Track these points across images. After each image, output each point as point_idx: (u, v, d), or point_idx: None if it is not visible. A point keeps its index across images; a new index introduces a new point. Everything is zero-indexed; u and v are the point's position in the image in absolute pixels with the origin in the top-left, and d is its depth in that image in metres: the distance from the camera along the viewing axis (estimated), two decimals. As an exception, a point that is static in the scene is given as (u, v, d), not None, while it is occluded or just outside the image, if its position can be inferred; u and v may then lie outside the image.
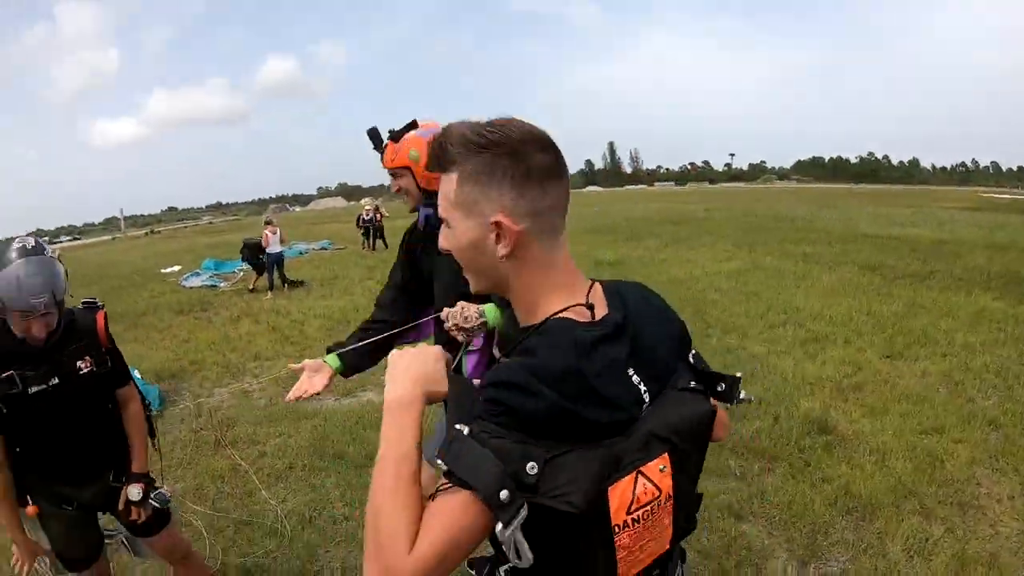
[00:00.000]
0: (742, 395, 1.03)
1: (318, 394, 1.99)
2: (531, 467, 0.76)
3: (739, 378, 1.02)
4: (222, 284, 13.41)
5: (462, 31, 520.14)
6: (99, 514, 2.27)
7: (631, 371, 0.87)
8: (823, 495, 3.18)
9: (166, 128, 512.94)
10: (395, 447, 0.84)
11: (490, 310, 1.76)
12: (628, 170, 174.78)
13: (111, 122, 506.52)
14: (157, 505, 2.15)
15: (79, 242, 68.75)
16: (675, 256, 12.42)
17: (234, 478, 3.88)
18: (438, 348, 0.98)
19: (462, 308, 1.76)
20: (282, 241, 11.93)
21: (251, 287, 11.85)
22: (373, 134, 2.08)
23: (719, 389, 1.00)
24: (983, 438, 3.79)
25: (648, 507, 0.86)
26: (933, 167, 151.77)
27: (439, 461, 0.78)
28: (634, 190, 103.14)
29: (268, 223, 11.94)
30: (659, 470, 0.86)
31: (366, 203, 22.74)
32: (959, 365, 5.04)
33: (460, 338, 1.76)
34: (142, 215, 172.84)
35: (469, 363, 2.06)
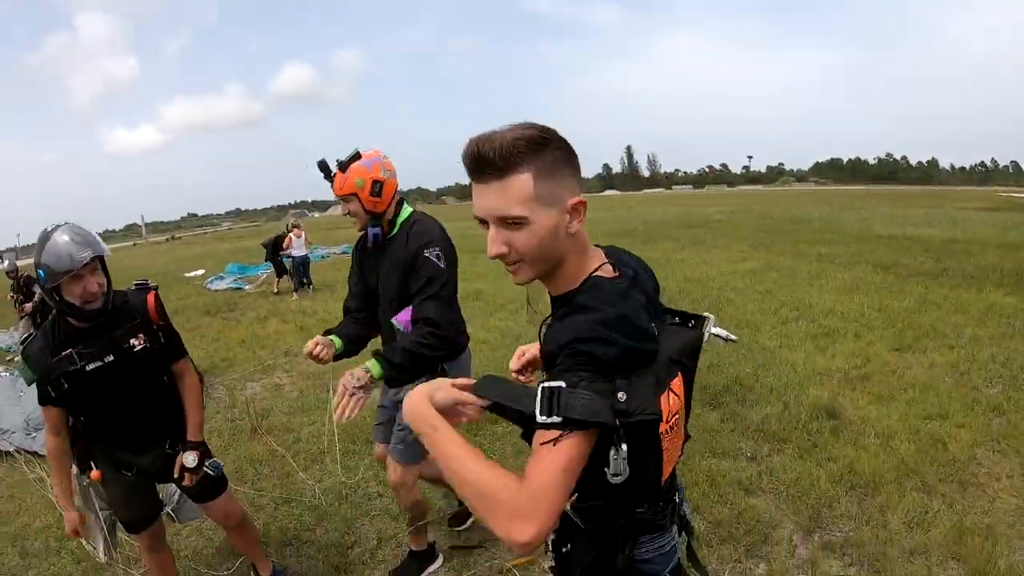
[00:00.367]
0: (717, 331, 1.29)
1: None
2: (621, 396, 0.95)
3: (707, 316, 1.27)
4: (247, 287, 13.80)
5: (479, 35, 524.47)
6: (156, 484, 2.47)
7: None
8: (829, 473, 3.36)
9: (185, 135, 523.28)
10: (441, 437, 1.01)
11: (372, 364, 2.11)
12: (646, 174, 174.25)
13: (130, 129, 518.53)
14: (211, 472, 2.33)
15: (103, 249, 69.82)
16: (692, 257, 12.56)
17: (271, 461, 4.14)
18: (437, 380, 1.14)
19: (349, 375, 2.05)
20: (307, 244, 12.30)
21: (275, 290, 12.20)
22: (322, 166, 2.33)
23: (690, 325, 1.25)
24: (986, 423, 3.93)
25: (676, 415, 1.12)
26: (952, 167, 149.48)
27: (545, 418, 0.93)
28: (652, 194, 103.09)
29: (295, 227, 12.31)
30: (679, 385, 1.12)
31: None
32: (966, 356, 5.16)
33: (361, 395, 2.04)
34: (162, 221, 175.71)
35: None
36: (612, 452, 0.97)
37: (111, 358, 2.13)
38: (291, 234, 11.96)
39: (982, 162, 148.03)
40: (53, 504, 3.70)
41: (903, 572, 2.57)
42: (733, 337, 5.68)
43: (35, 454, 4.58)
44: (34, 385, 2.15)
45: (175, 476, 2.32)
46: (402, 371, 2.18)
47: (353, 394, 2.00)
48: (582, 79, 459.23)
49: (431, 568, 2.82)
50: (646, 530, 1.16)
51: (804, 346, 5.77)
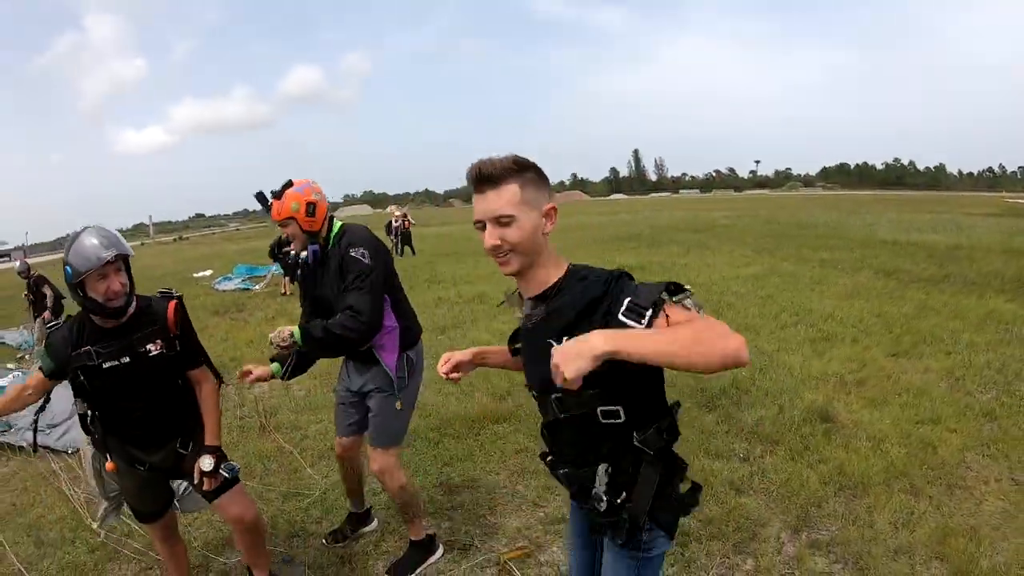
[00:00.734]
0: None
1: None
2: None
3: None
4: (256, 287, 13.96)
5: (485, 38, 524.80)
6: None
7: None
8: (819, 474, 3.45)
9: (193, 135, 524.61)
10: (640, 339, 1.19)
11: (296, 331, 2.49)
12: (653, 178, 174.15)
13: (138, 130, 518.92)
14: (227, 475, 2.37)
15: (112, 249, 70.27)
16: (695, 262, 12.65)
17: (279, 457, 4.26)
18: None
19: (279, 332, 2.48)
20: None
21: (283, 291, 12.35)
22: (259, 197, 2.64)
23: None
24: (977, 428, 4.01)
25: None
26: (960, 172, 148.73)
27: (644, 320, 1.26)
28: (658, 198, 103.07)
29: None
30: None
31: (394, 210, 23.39)
32: (962, 362, 5.24)
33: (280, 351, 2.56)
34: (169, 221, 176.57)
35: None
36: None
37: (127, 359, 2.21)
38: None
39: (990, 168, 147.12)
40: (67, 496, 3.84)
41: (887, 570, 2.65)
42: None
43: (48, 448, 4.71)
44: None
45: (195, 481, 2.36)
46: (318, 345, 2.50)
47: (274, 345, 2.46)
48: (589, 82, 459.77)
49: (432, 559, 2.93)
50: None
51: (802, 350, 5.86)
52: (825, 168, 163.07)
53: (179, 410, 2.41)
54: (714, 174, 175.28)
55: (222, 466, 2.35)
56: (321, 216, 2.62)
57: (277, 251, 12.46)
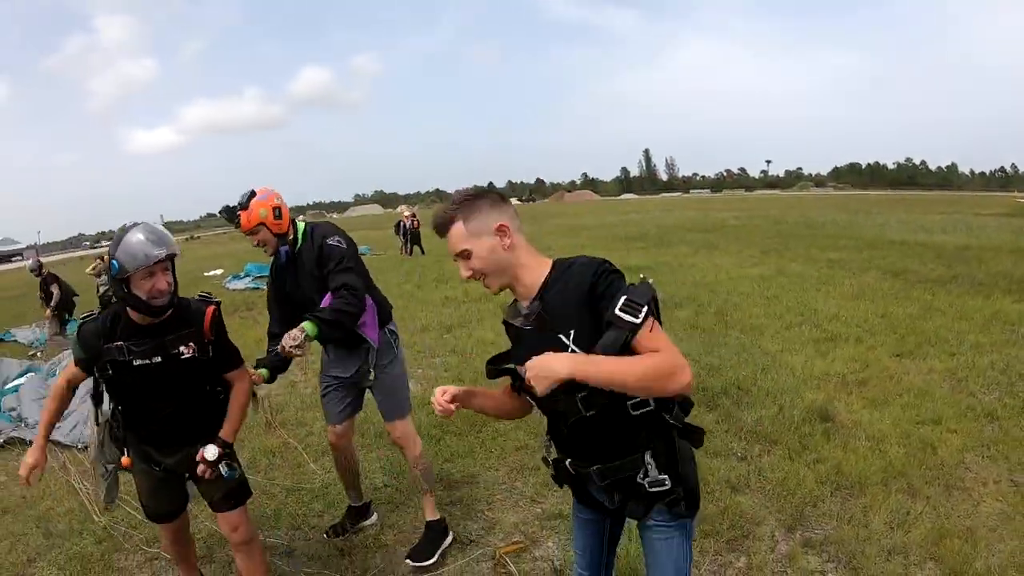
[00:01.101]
0: None
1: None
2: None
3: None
4: (265, 286, 14.04)
5: (497, 41, 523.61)
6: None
7: None
8: (816, 473, 3.46)
9: (203, 136, 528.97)
10: (599, 364, 1.37)
11: (307, 324, 2.58)
12: (664, 177, 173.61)
13: (149, 131, 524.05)
14: (224, 473, 2.29)
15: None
16: (703, 262, 12.63)
17: (284, 453, 4.33)
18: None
19: (288, 336, 2.56)
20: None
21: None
22: (227, 210, 2.80)
23: None
24: (978, 429, 3.98)
25: None
26: (972, 172, 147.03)
27: (638, 318, 1.36)
28: (669, 197, 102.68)
29: None
30: None
31: (404, 210, 23.61)
32: (965, 363, 5.21)
33: (298, 354, 2.59)
34: (181, 221, 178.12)
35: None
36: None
37: (158, 359, 2.20)
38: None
39: (1002, 167, 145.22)
40: (76, 489, 3.93)
41: (880, 570, 2.65)
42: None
43: (58, 443, 4.80)
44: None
45: (194, 462, 2.32)
46: (332, 327, 2.65)
47: (291, 351, 2.54)
48: (600, 81, 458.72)
49: (445, 543, 3.02)
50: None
51: (805, 350, 5.85)
52: (836, 168, 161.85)
53: (204, 416, 2.38)
54: (725, 174, 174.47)
55: (223, 463, 2.30)
56: (286, 218, 2.83)
57: None
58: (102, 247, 68.67)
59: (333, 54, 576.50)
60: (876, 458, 3.60)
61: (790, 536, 2.95)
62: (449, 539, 3.05)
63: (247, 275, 15.92)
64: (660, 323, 1.43)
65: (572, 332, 1.46)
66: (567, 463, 1.65)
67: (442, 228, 1.57)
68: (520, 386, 1.66)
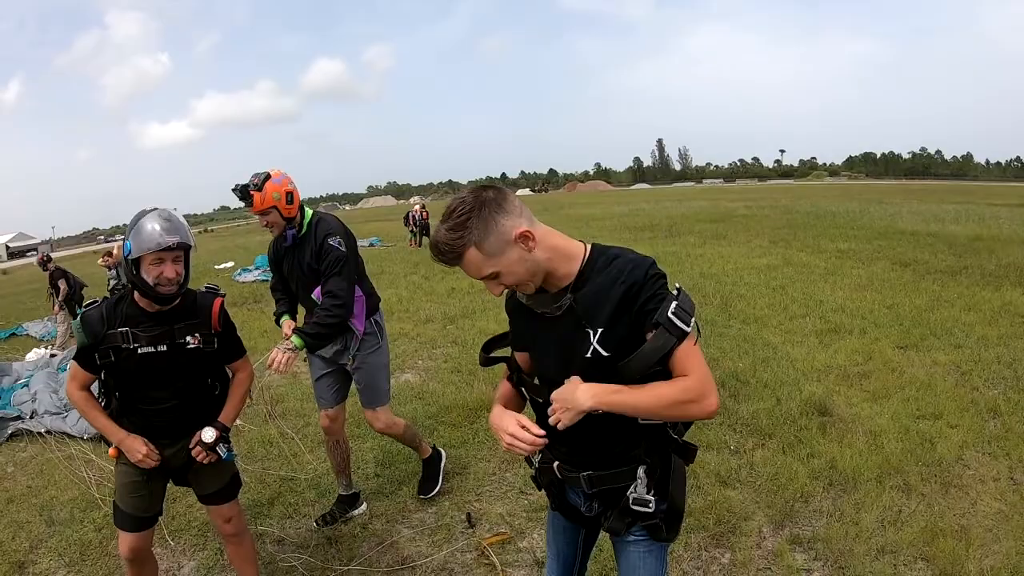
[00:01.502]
0: None
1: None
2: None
3: None
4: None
5: (510, 31, 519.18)
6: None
7: None
8: (809, 468, 3.42)
9: (217, 129, 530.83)
10: (625, 395, 1.35)
11: (295, 339, 2.81)
12: (677, 167, 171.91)
13: (163, 124, 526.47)
14: (223, 455, 2.30)
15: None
16: (711, 252, 12.52)
17: (281, 443, 4.36)
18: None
19: (275, 352, 2.75)
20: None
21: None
22: (242, 190, 2.90)
23: None
24: (980, 424, 3.91)
25: None
26: (987, 162, 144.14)
27: (687, 325, 1.33)
28: (681, 187, 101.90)
29: None
30: None
31: (414, 202, 23.75)
32: (970, 356, 5.13)
33: (291, 355, 2.76)
34: (195, 214, 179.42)
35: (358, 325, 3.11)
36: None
37: (163, 348, 2.19)
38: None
39: (1018, 157, 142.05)
40: (80, 479, 3.98)
41: (868, 570, 2.60)
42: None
43: (66, 435, 4.88)
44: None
45: (189, 445, 2.28)
46: (316, 339, 2.89)
47: (285, 353, 2.73)
48: (614, 71, 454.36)
49: (442, 466, 3.52)
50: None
51: (808, 342, 5.79)
52: (851, 157, 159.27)
53: (202, 409, 2.36)
54: (738, 163, 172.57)
55: (220, 445, 2.29)
56: (296, 204, 2.97)
57: None
58: (116, 240, 69.46)
59: (346, 46, 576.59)
60: (872, 453, 3.56)
61: (778, 532, 2.92)
62: (443, 459, 3.54)
63: (257, 267, 16.04)
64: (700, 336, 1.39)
65: (600, 331, 1.38)
66: (555, 466, 1.58)
67: (452, 260, 1.37)
68: (518, 379, 1.64)
